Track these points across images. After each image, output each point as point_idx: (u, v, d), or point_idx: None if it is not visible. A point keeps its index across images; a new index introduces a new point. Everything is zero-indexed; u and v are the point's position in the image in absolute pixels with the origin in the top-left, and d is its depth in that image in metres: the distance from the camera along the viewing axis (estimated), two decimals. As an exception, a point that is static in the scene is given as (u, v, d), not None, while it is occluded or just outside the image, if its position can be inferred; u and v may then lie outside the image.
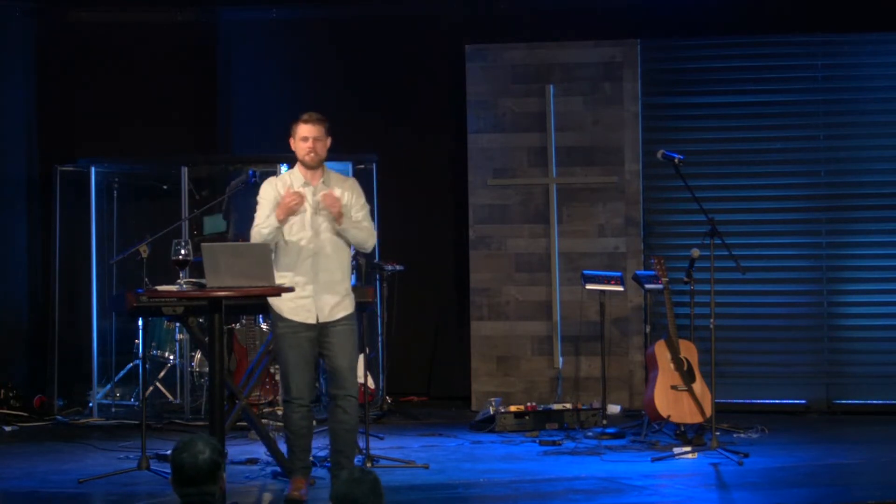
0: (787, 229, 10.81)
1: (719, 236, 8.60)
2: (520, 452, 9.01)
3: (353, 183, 7.55)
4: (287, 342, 7.34)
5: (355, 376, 7.41)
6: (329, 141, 7.46)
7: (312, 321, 7.31)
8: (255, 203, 7.50)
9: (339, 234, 7.35)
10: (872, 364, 10.69)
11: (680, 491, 7.79)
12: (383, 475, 7.48)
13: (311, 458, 7.58)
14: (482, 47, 11.04)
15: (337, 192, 7.38)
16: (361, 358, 9.65)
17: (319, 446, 8.04)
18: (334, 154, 10.09)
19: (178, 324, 10.27)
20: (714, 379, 8.65)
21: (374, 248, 7.80)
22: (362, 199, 7.50)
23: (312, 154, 7.37)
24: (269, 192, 7.40)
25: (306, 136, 7.38)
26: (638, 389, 10.65)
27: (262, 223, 7.30)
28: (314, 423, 7.63)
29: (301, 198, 7.25)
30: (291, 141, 7.46)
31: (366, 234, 7.40)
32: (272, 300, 7.36)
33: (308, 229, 7.33)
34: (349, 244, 7.45)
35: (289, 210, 7.25)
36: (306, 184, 7.39)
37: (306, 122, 7.40)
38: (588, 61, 10.89)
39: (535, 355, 10.91)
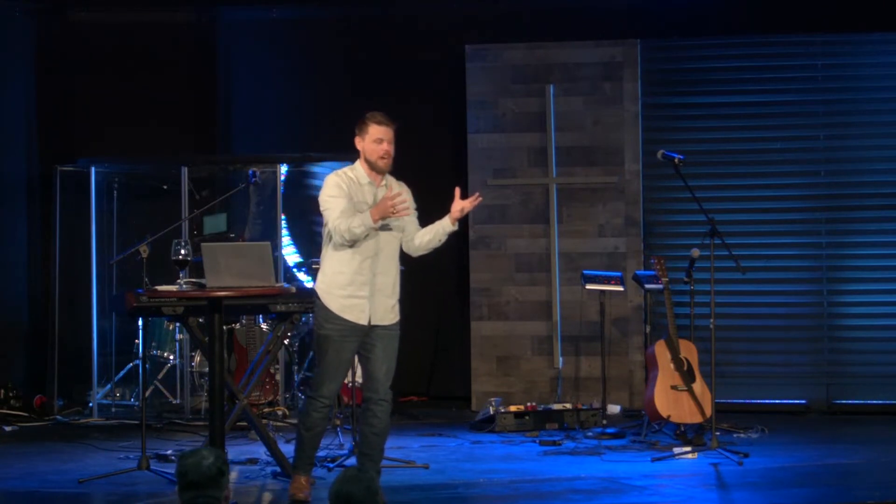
0: (787, 229, 10.82)
1: (719, 236, 8.60)
2: (520, 452, 9.01)
3: (407, 189, 7.38)
4: (332, 345, 7.16)
5: (390, 381, 7.27)
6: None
7: (364, 323, 7.16)
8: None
9: (395, 236, 7.25)
10: (872, 364, 10.70)
11: (680, 491, 7.79)
12: (383, 475, 7.53)
13: (315, 458, 7.54)
14: (482, 47, 11.04)
15: (396, 193, 7.18)
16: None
17: (319, 446, 8.02)
18: (334, 154, 10.16)
19: (178, 324, 10.27)
20: (714, 379, 8.65)
21: None
22: (415, 205, 7.37)
23: (388, 158, 7.18)
24: (341, 185, 7.13)
25: (381, 137, 7.15)
26: (638, 389, 10.65)
27: (356, 224, 7.01)
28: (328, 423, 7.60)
29: (405, 208, 7.07)
30: (358, 139, 7.21)
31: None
32: (323, 296, 7.19)
33: (371, 232, 7.14)
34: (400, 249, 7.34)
35: (386, 213, 7.01)
36: (370, 183, 7.22)
37: (380, 123, 7.16)
38: (588, 61, 10.89)
39: (535, 355, 10.92)
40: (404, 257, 11.02)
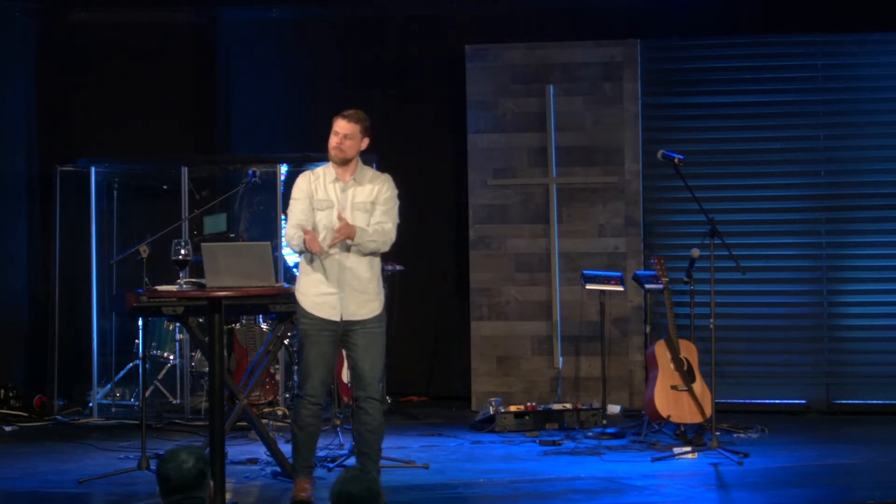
0: (787, 229, 10.82)
1: (719, 236, 8.60)
2: (520, 452, 9.02)
3: (385, 179, 7.37)
4: (309, 338, 7.25)
5: (378, 379, 7.32)
6: (365, 142, 7.30)
7: (336, 318, 7.21)
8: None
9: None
10: (872, 364, 10.70)
11: (680, 491, 7.79)
12: (383, 475, 7.53)
13: (314, 459, 7.55)
14: (482, 47, 11.04)
15: (366, 188, 7.27)
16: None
17: (319, 446, 8.02)
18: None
19: (178, 324, 10.27)
20: (714, 379, 8.65)
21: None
22: (386, 196, 7.31)
23: (337, 150, 7.26)
24: (304, 187, 7.27)
25: (337, 130, 7.27)
26: (638, 389, 10.65)
27: (295, 242, 7.16)
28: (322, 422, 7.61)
29: (319, 249, 7.13)
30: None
31: (379, 242, 7.23)
32: (297, 294, 7.31)
33: (334, 228, 7.21)
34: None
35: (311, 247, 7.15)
36: (337, 180, 7.28)
37: (343, 116, 7.29)
38: (588, 61, 10.89)
39: (535, 355, 10.92)
40: (404, 257, 11.03)
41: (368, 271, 7.29)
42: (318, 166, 10.86)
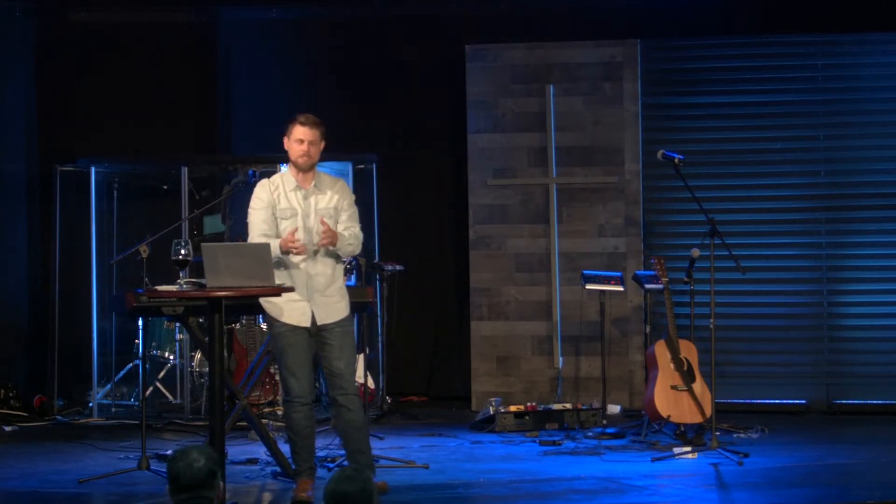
0: (787, 229, 10.82)
1: (719, 236, 8.60)
2: (520, 452, 9.01)
3: (343, 185, 7.49)
4: (285, 341, 7.30)
5: (354, 375, 7.39)
6: (322, 145, 7.39)
7: (306, 325, 7.28)
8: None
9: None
10: (872, 364, 10.70)
11: (680, 491, 7.79)
12: (383, 475, 7.53)
13: (315, 459, 7.56)
14: (482, 47, 11.04)
15: (326, 195, 7.35)
16: (361, 358, 9.66)
17: (319, 446, 8.03)
18: (334, 154, 10.17)
19: (178, 324, 10.27)
20: (714, 379, 8.65)
21: (363, 248, 7.73)
22: (348, 201, 7.42)
23: (306, 157, 7.31)
24: (264, 196, 7.35)
25: (301, 138, 7.31)
26: (638, 389, 10.65)
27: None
28: (316, 422, 7.62)
29: (303, 247, 7.20)
30: (286, 140, 7.37)
31: (353, 246, 7.37)
32: (265, 302, 7.35)
33: (301, 234, 7.28)
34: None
35: (287, 250, 7.21)
36: (298, 188, 7.35)
37: (303, 123, 7.33)
38: (588, 61, 10.89)
39: (535, 355, 10.92)
40: (405, 257, 11.02)
41: (333, 276, 7.37)
42: (317, 166, 10.86)
